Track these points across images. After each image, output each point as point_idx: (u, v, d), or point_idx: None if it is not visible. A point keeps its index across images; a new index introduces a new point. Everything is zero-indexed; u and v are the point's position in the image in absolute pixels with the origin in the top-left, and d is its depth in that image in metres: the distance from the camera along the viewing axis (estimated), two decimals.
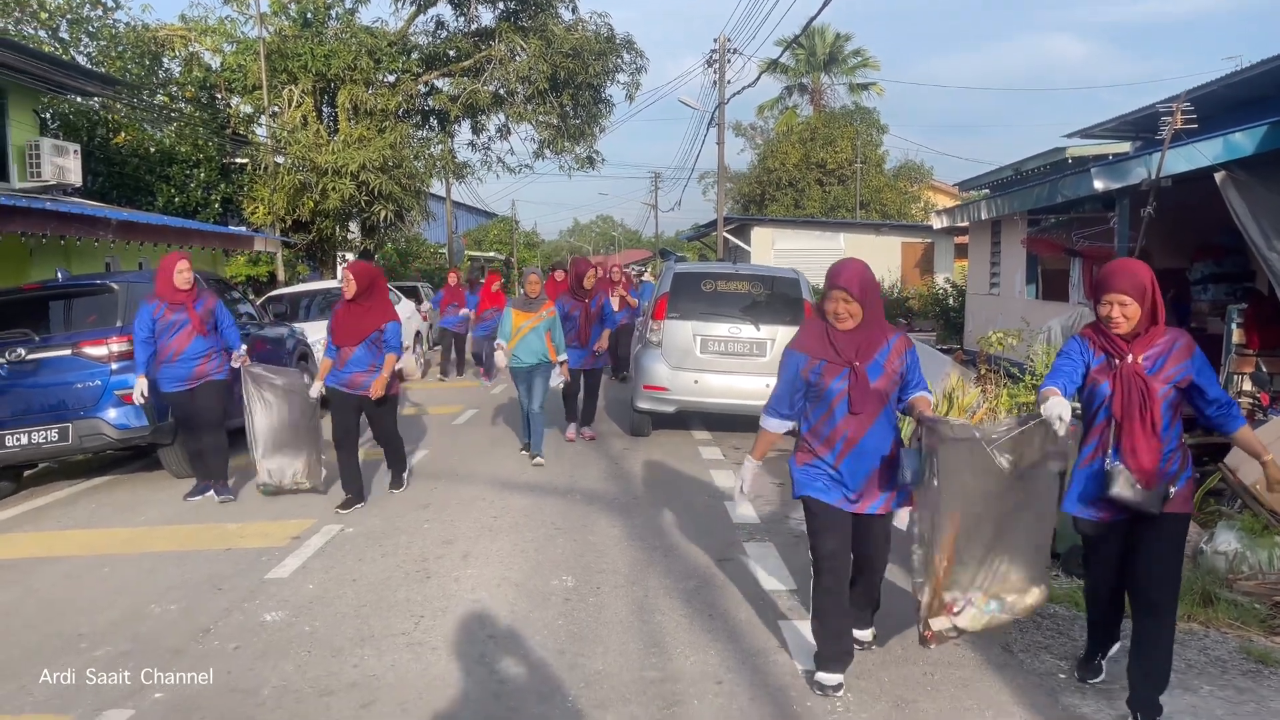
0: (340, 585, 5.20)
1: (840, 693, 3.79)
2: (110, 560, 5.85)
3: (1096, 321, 3.57)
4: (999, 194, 15.44)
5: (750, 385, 8.72)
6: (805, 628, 4.34)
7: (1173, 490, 3.46)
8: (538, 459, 8.21)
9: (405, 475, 7.51)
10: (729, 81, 25.34)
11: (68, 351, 7.65)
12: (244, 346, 7.36)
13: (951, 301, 18.57)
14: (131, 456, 8.84)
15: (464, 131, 22.67)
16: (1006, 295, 13.98)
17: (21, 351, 7.53)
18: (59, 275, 8.50)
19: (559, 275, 14.39)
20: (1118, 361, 3.49)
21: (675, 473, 8.02)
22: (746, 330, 8.93)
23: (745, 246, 26.67)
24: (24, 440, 7.51)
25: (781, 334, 8.95)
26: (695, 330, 9.00)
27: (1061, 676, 4.04)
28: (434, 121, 21.72)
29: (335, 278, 20.92)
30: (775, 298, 9.19)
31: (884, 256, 24.47)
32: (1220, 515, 5.85)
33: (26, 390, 7.53)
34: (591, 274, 9.58)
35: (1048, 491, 3.62)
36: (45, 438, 7.51)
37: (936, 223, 16.88)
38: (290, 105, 18.50)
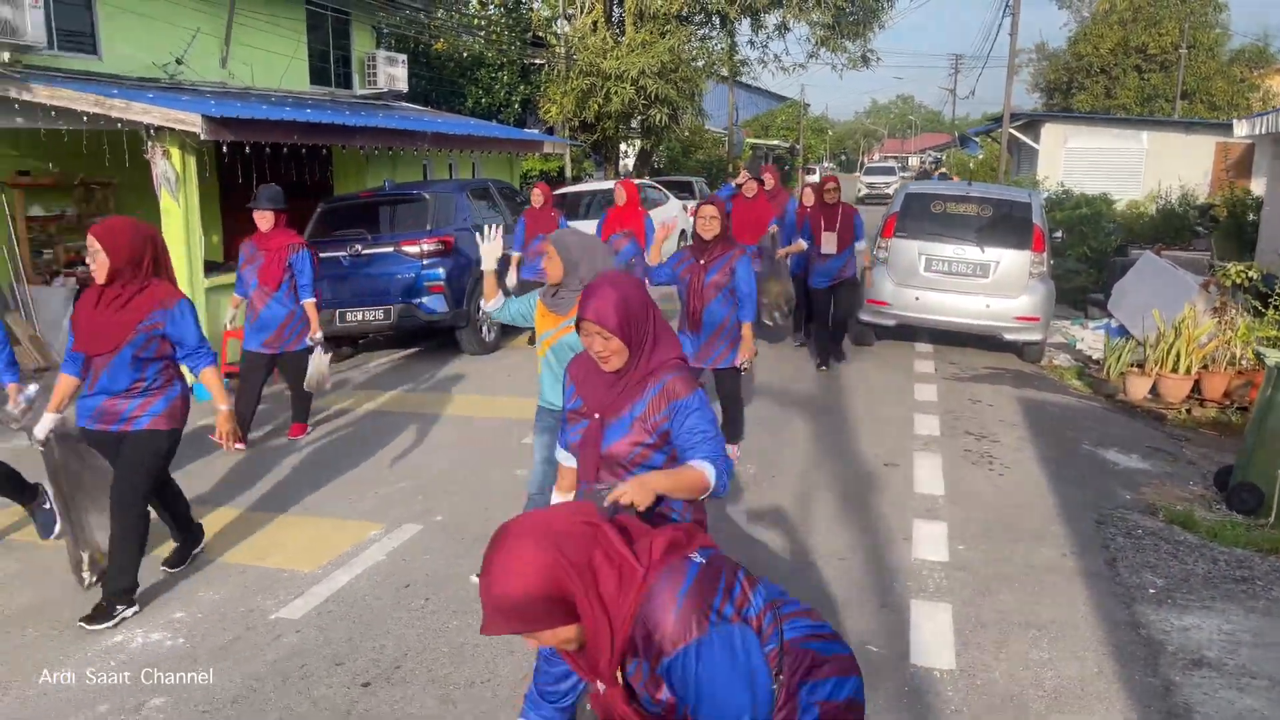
0: None
1: None
2: (413, 418, 7.67)
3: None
4: None
5: (970, 305, 9.26)
6: (937, 531, 5.23)
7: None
8: None
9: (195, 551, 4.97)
10: None
11: (391, 249, 9.60)
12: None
13: (1251, 216, 17.10)
14: (434, 334, 10.81)
15: (743, 29, 23.24)
16: None
17: (359, 247, 9.56)
18: (385, 185, 10.45)
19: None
20: None
21: (879, 380, 8.79)
22: (970, 252, 9.31)
23: (1034, 144, 25.40)
24: (360, 318, 9.62)
25: (1008, 257, 9.29)
26: (921, 249, 9.52)
27: (1151, 591, 4.64)
28: (715, 20, 22.47)
29: (617, 174, 22.56)
30: (1004, 220, 9.46)
31: (1193, 158, 22.53)
32: None
33: (361, 278, 9.58)
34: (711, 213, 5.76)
35: None
36: (374, 316, 9.57)
37: (1239, 130, 15.57)
38: (582, 11, 20.04)
